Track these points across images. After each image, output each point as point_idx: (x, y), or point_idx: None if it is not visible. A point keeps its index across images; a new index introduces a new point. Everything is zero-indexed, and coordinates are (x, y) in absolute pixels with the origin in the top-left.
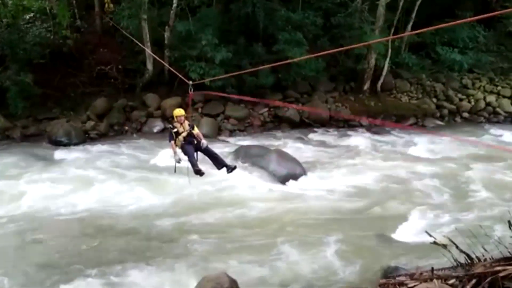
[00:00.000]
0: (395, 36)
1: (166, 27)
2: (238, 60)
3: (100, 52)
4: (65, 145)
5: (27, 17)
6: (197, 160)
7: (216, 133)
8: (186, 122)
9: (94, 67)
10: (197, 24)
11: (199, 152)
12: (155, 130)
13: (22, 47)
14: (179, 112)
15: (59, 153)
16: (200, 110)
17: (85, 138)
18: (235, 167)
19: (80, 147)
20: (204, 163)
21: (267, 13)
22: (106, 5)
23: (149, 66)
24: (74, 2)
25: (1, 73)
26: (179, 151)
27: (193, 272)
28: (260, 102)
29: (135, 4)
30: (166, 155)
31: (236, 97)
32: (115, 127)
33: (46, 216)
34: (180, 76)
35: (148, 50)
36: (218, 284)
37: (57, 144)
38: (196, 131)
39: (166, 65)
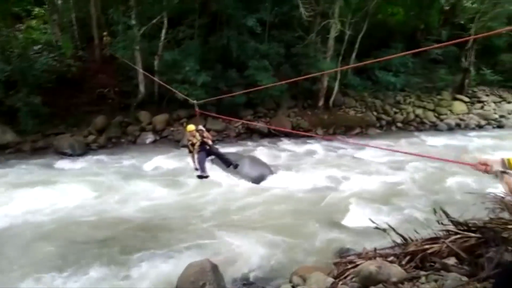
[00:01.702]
0: (344, 67)
1: (156, 56)
2: (216, 83)
3: (99, 77)
4: (70, 155)
5: (36, 48)
6: (212, 160)
7: None
8: (197, 134)
9: (95, 90)
10: (182, 54)
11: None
12: (147, 142)
13: (32, 74)
14: (190, 128)
15: (65, 163)
16: (184, 124)
17: (87, 149)
18: (237, 165)
19: (83, 157)
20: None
21: (239, 44)
22: (104, 38)
23: (142, 88)
24: (76, 35)
25: (13, 95)
26: (196, 157)
27: (180, 260)
28: (235, 118)
29: (128, 37)
30: (157, 161)
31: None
32: (113, 140)
33: (56, 216)
34: (186, 97)
35: (145, 73)
36: (201, 269)
37: (63, 155)
38: (206, 135)
39: (173, 90)
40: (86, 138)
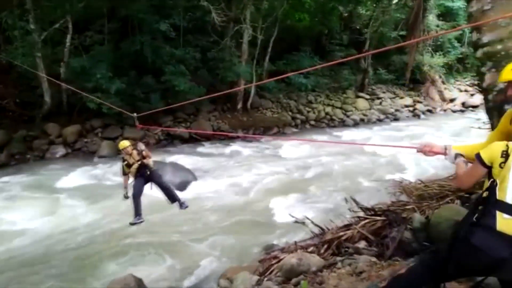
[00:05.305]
0: (269, 80)
1: (61, 63)
2: (131, 90)
3: None
4: None
5: None
6: (151, 188)
7: (116, 153)
8: (135, 152)
9: None
10: (91, 60)
11: (152, 184)
12: (57, 156)
13: None
14: (123, 144)
15: None
16: (100, 134)
17: None
18: (187, 206)
19: None
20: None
21: (153, 50)
22: None
23: (47, 98)
24: None
25: None
26: (131, 183)
27: (101, 278)
28: (157, 125)
29: (28, 43)
30: (69, 177)
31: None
32: (16, 157)
33: None
34: (123, 111)
35: (57, 82)
36: (125, 285)
37: None
38: (145, 153)
39: (108, 104)
40: None
